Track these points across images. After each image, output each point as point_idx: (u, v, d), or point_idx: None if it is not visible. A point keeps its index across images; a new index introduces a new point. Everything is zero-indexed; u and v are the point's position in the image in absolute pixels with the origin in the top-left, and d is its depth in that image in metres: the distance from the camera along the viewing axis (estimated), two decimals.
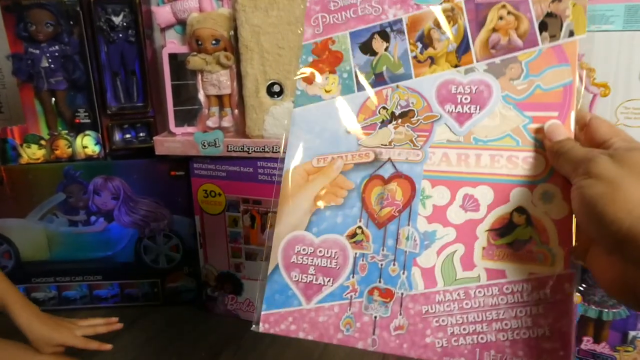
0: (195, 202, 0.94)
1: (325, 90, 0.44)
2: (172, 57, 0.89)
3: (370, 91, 0.43)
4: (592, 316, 0.76)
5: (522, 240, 0.37)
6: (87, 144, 0.97)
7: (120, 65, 0.95)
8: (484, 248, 0.38)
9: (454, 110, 0.40)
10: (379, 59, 0.43)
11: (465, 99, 0.40)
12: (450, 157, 0.40)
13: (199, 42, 0.85)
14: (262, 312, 0.41)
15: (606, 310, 0.75)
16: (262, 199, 0.89)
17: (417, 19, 0.42)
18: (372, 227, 0.41)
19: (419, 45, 0.42)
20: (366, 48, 0.43)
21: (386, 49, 0.43)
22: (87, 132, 0.97)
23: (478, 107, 0.40)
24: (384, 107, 0.42)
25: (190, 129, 0.91)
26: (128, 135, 0.99)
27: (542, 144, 0.38)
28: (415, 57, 0.42)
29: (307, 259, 0.41)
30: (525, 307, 0.36)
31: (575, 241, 0.36)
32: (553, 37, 0.39)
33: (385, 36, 0.43)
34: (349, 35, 0.44)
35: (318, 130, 0.43)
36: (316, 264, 0.41)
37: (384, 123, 0.42)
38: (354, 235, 0.41)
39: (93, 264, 0.99)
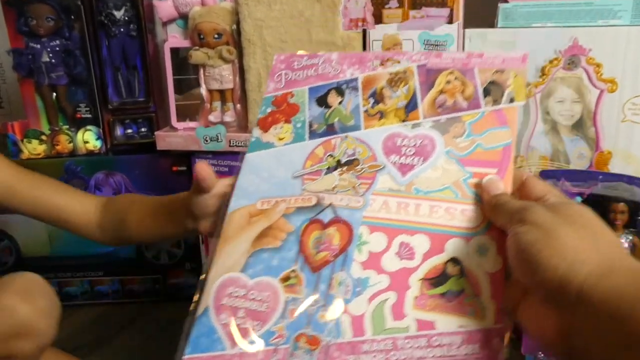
0: None
1: (279, 138, 0.47)
2: (174, 51, 0.88)
3: (320, 140, 0.45)
4: None
5: (455, 291, 0.37)
6: (89, 139, 0.96)
7: (122, 60, 0.95)
8: (416, 297, 0.37)
9: (397, 161, 0.42)
10: (332, 111, 0.45)
11: (410, 151, 0.42)
12: (390, 205, 0.41)
13: (201, 36, 0.84)
14: (185, 356, 0.39)
15: None
16: None
17: (372, 79, 0.45)
18: (306, 271, 0.40)
19: (371, 100, 0.45)
20: (322, 101, 0.46)
21: (340, 103, 0.46)
22: (89, 127, 0.96)
23: (421, 160, 0.42)
24: (331, 155, 0.44)
25: (192, 124, 0.90)
26: (129, 131, 0.98)
27: (480, 198, 0.39)
28: (366, 111, 0.44)
29: (239, 301, 0.40)
30: None
31: (507, 294, 0.35)
32: (495, 102, 0.42)
33: (340, 92, 0.45)
34: (307, 90, 0.47)
35: (266, 175, 0.45)
36: (246, 306, 0.40)
37: (329, 170, 0.43)
38: (287, 278, 0.40)
39: (94, 260, 0.98)
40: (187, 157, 0.92)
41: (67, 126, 0.96)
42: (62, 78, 0.95)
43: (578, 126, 0.79)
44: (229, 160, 0.89)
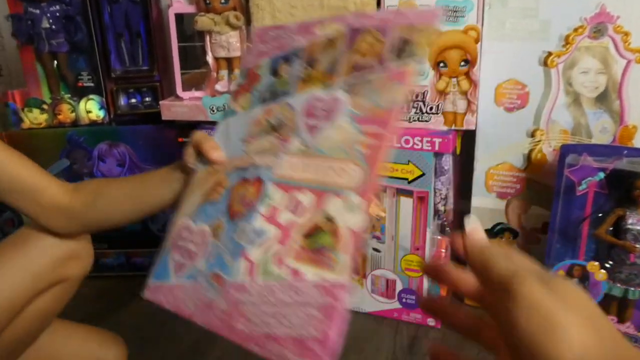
0: None
1: (241, 107, 0.52)
2: (179, 17, 0.84)
3: (264, 107, 0.50)
4: (616, 294, 0.72)
5: (324, 245, 0.40)
6: (91, 109, 0.93)
7: (125, 26, 0.91)
8: (295, 250, 0.41)
9: (309, 123, 0.46)
10: (279, 80, 0.50)
11: (320, 113, 0.45)
12: (296, 165, 0.45)
13: (207, 1, 0.80)
14: (149, 282, 0.49)
15: (632, 288, 0.71)
16: None
17: (313, 45, 0.48)
18: (228, 221, 0.46)
19: (308, 67, 0.48)
20: (274, 72, 0.50)
21: (286, 72, 0.50)
22: (91, 96, 0.93)
23: (327, 121, 0.45)
24: (267, 120, 0.49)
25: (198, 94, 0.87)
26: (133, 100, 0.95)
27: (364, 158, 0.41)
28: (301, 78, 0.48)
29: (184, 242, 0.49)
30: (308, 308, 0.40)
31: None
32: (399, 59, 0.42)
33: (288, 61, 0.49)
34: (269, 61, 0.51)
35: (225, 140, 0.52)
36: (187, 247, 0.48)
37: (265, 134, 0.49)
38: (216, 227, 0.47)
39: (99, 233, 0.96)
40: (193, 128, 0.89)
41: (69, 95, 0.93)
42: (63, 45, 0.91)
43: (602, 98, 0.75)
44: None
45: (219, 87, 0.84)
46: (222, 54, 0.83)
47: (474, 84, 0.74)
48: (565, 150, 0.72)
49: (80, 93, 0.92)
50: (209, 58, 0.84)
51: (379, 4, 0.74)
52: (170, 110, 0.85)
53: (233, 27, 0.81)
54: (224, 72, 0.84)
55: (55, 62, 0.93)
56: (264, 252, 0.43)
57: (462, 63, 0.74)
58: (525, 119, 0.78)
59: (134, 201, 0.60)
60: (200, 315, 0.45)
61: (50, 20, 0.90)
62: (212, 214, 0.48)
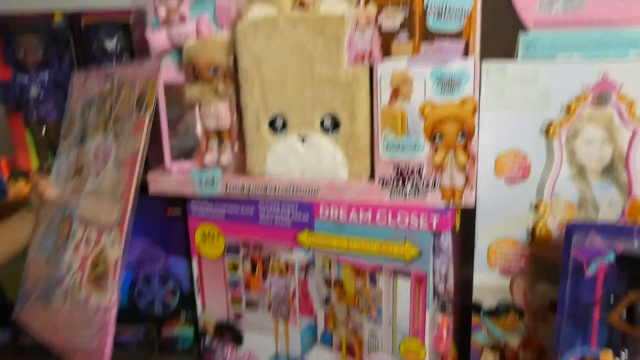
0: (193, 244, 0.86)
1: (67, 148, 0.72)
2: (169, 86, 0.82)
3: (77, 149, 0.67)
4: None
5: (102, 274, 0.52)
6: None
7: None
8: (88, 276, 0.53)
9: (96, 167, 0.56)
10: (85, 124, 0.65)
11: (102, 156, 0.56)
12: (87, 205, 0.57)
13: (196, 71, 0.78)
14: (16, 308, 0.65)
15: None
16: (264, 242, 0.82)
17: (101, 93, 0.60)
18: (55, 253, 0.63)
19: (98, 114, 0.59)
20: (82, 116, 0.67)
21: (88, 117, 0.63)
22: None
23: (103, 165, 0.56)
24: (76, 162, 0.62)
25: (187, 165, 0.84)
26: None
27: (122, 198, 0.55)
28: (94, 124, 0.58)
29: (32, 272, 0.68)
30: (92, 327, 0.51)
31: None
32: (139, 110, 0.54)
33: (90, 106, 0.63)
34: (80, 106, 0.66)
35: (57, 179, 0.70)
36: (35, 276, 0.67)
37: (76, 175, 0.63)
38: (48, 258, 0.65)
39: None
40: (183, 199, 0.86)
41: None
42: (52, 113, 0.89)
43: (608, 170, 0.71)
44: (225, 205, 0.82)
45: (208, 158, 0.81)
46: (212, 124, 0.80)
47: (472, 157, 0.71)
48: (571, 228, 0.67)
49: None
50: (198, 129, 0.81)
51: (371, 74, 0.71)
52: (158, 184, 0.82)
53: (221, 97, 0.78)
54: (213, 143, 0.82)
55: (45, 128, 0.91)
56: (72, 281, 0.54)
57: (459, 136, 0.70)
58: (527, 191, 0.74)
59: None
60: (42, 331, 0.58)
61: (39, 88, 0.88)
62: (47, 246, 0.61)
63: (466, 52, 0.67)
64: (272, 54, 0.73)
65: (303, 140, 0.75)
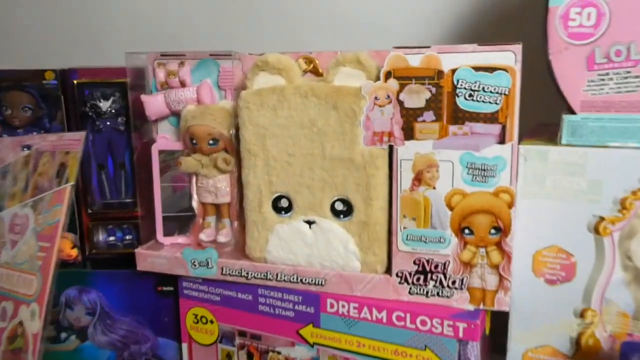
0: (184, 327, 0.77)
1: None
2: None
3: None
4: None
5: (19, 347, 0.49)
6: (63, 247, 0.82)
7: (108, 156, 0.81)
8: (2, 351, 0.49)
9: (12, 238, 0.53)
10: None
11: (17, 229, 0.53)
12: (3, 275, 0.53)
13: (194, 141, 0.69)
14: None
15: None
16: (262, 333, 0.72)
17: (17, 163, 0.57)
18: None
19: (14, 183, 0.56)
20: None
21: (2, 186, 0.60)
22: (64, 232, 0.82)
23: (20, 235, 0.53)
24: None
25: (181, 239, 0.75)
26: (112, 238, 0.83)
27: (40, 269, 0.51)
28: (8, 193, 0.55)
29: None
30: None
31: None
32: (60, 181, 0.52)
33: (4, 175, 0.57)
34: None
35: None
36: None
37: None
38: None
39: None
40: (175, 276, 0.76)
41: None
42: None
43: None
44: (221, 289, 0.73)
45: (203, 236, 0.72)
46: (209, 199, 0.71)
47: (507, 256, 0.60)
48: (627, 349, 0.56)
49: None
50: (194, 202, 0.73)
51: (390, 156, 0.62)
52: (147, 260, 0.73)
53: (222, 172, 0.70)
54: (210, 219, 0.73)
55: None
56: None
57: (492, 231, 0.60)
58: (571, 295, 0.63)
59: None
60: None
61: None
62: None
63: (502, 137, 0.58)
64: (279, 127, 0.64)
65: (310, 224, 0.66)
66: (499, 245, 0.61)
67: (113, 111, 0.79)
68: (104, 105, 0.79)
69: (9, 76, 0.78)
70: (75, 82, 0.77)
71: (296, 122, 0.63)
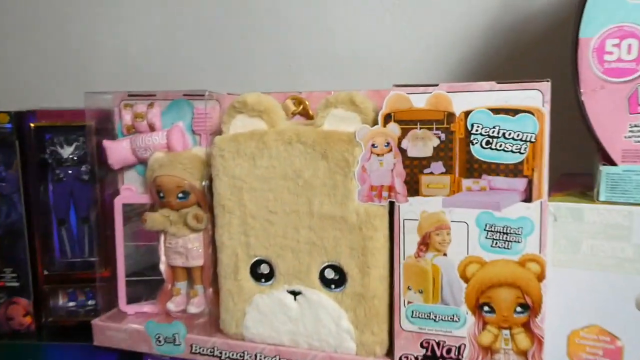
0: None
1: None
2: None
3: None
4: None
5: None
6: (13, 315, 0.71)
7: (70, 210, 0.71)
8: None
9: None
10: None
11: None
12: None
13: (161, 194, 0.59)
14: None
15: None
16: None
17: None
18: None
19: None
20: None
21: None
22: (15, 298, 0.71)
23: None
24: None
25: (147, 308, 0.64)
26: (72, 304, 0.72)
27: None
28: None
29: None
30: None
31: None
32: None
33: None
34: None
35: None
36: None
37: None
38: None
39: None
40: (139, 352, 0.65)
41: None
42: None
43: None
44: None
45: (172, 305, 0.61)
46: (179, 262, 0.61)
47: (537, 340, 0.49)
48: None
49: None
50: (162, 265, 0.62)
51: (391, 214, 0.51)
52: (105, 334, 0.62)
53: (193, 230, 0.59)
54: (180, 285, 0.62)
55: None
56: None
57: (518, 308, 0.49)
58: None
59: None
60: None
61: None
62: None
63: (529, 194, 0.47)
64: (258, 180, 0.54)
65: (295, 295, 0.55)
66: (526, 326, 0.49)
67: (76, 158, 0.69)
68: (66, 151, 0.69)
69: None
70: (32, 125, 0.68)
71: (278, 173, 0.53)
